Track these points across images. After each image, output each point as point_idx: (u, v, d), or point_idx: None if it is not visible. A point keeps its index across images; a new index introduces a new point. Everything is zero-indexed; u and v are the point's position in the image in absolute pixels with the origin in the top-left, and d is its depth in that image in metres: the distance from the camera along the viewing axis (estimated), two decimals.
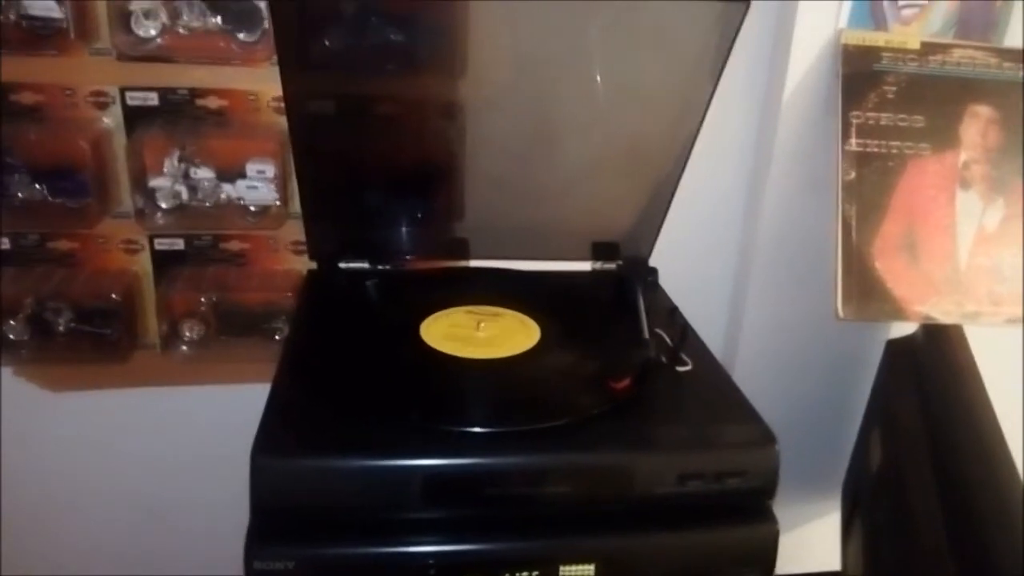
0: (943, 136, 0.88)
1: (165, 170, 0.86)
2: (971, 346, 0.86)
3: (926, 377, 0.86)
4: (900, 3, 0.89)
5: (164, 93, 0.85)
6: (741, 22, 0.73)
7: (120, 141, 0.85)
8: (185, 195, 0.87)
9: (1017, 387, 0.96)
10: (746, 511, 0.62)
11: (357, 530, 0.57)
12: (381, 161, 0.84)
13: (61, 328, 0.88)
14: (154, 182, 0.86)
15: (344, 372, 0.67)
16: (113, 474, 0.99)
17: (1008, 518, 0.66)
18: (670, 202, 0.86)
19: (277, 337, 0.92)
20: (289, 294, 0.90)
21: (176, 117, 0.85)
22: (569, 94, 0.80)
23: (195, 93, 0.85)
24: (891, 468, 0.85)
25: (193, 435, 0.98)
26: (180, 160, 0.86)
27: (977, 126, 0.89)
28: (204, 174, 0.86)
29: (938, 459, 0.75)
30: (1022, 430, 0.83)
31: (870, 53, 0.88)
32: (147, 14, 0.80)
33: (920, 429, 0.81)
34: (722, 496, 0.61)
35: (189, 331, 0.91)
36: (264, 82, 0.85)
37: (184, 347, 0.92)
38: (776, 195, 0.95)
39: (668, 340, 0.73)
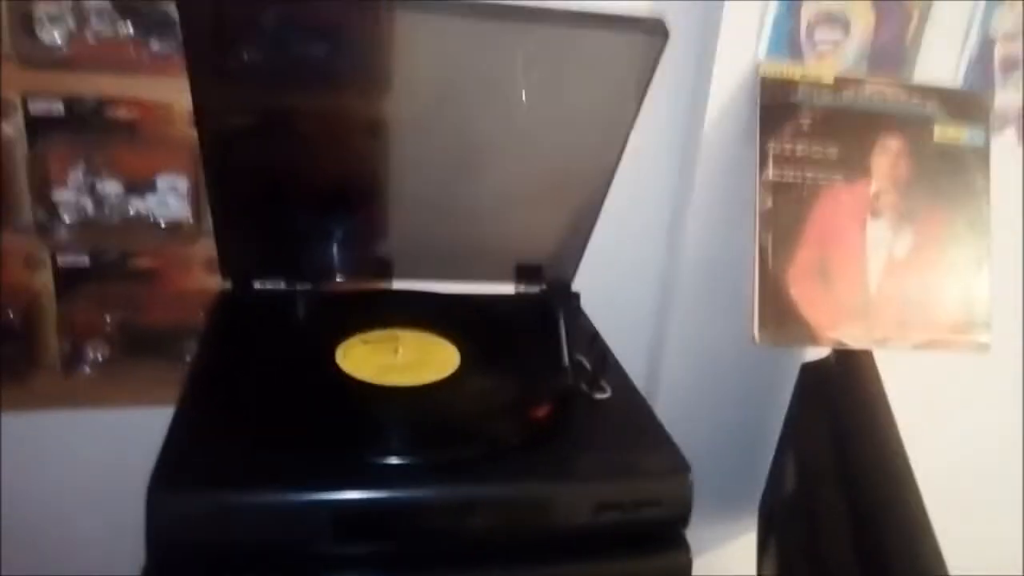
0: (855, 167, 0.91)
1: (69, 183, 0.82)
2: (880, 370, 0.88)
3: (836, 400, 0.88)
4: (816, 38, 0.91)
5: (70, 103, 0.81)
6: (660, 53, 0.74)
7: (21, 151, 0.81)
8: (91, 209, 0.83)
9: (923, 409, 0.99)
10: (661, 540, 0.62)
11: (265, 568, 0.55)
12: (300, 178, 0.81)
13: None
14: (58, 195, 0.82)
15: (253, 398, 0.64)
16: (18, 499, 0.93)
17: (912, 539, 0.68)
18: (593, 226, 0.87)
19: (188, 358, 0.89)
20: (201, 314, 0.87)
21: (83, 128, 0.81)
22: (494, 116, 0.80)
23: (103, 103, 0.81)
24: (803, 490, 0.87)
25: (93, 462, 0.92)
26: (86, 172, 0.82)
27: (888, 158, 0.92)
28: (112, 188, 0.83)
29: (845, 481, 0.77)
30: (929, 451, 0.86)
31: (787, 85, 0.90)
32: (52, 19, 0.77)
33: (829, 451, 0.83)
34: (637, 525, 0.61)
35: (93, 351, 0.87)
36: (178, 93, 0.81)
37: (87, 368, 0.87)
38: (698, 221, 0.97)
39: (588, 366, 0.73)
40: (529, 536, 0.60)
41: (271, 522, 0.55)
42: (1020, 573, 1.16)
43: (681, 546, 0.62)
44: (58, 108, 0.81)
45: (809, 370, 0.94)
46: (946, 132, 0.94)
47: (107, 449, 0.92)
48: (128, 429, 0.90)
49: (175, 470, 0.55)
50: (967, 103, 0.96)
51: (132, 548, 0.57)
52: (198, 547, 0.54)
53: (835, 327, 0.88)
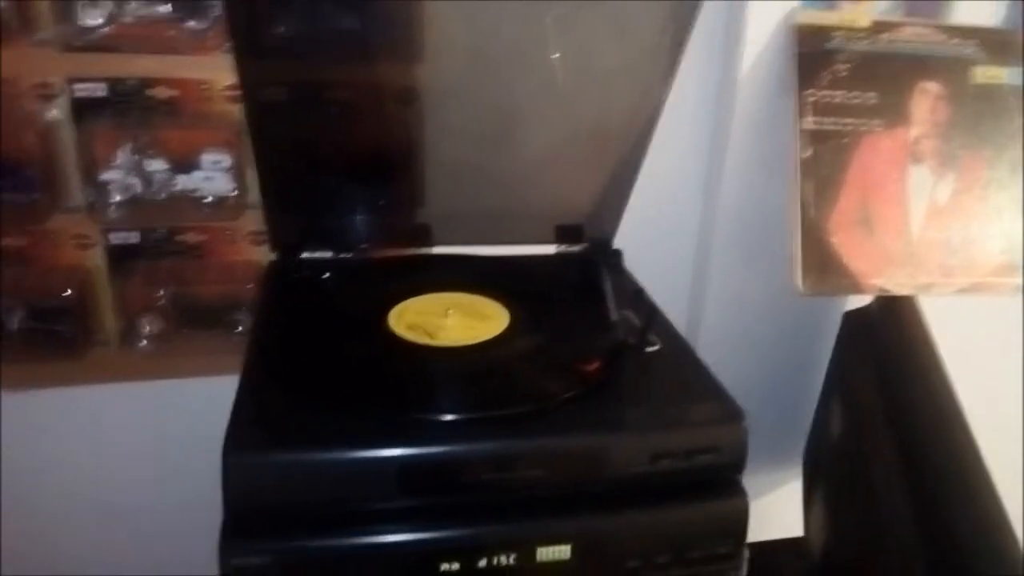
0: (894, 112, 0.90)
1: (117, 162, 0.84)
2: (924, 315, 0.88)
3: (881, 347, 0.88)
4: None
5: (112, 84, 0.82)
6: (696, 11, 0.73)
7: (68, 134, 0.83)
8: (139, 188, 0.85)
9: (970, 353, 0.99)
10: (717, 486, 0.63)
11: (333, 522, 0.57)
12: (340, 149, 0.82)
13: (14, 327, 0.86)
14: (106, 175, 0.84)
15: (313, 364, 0.66)
16: (73, 474, 0.97)
17: (965, 480, 0.69)
18: (632, 184, 0.87)
19: (239, 329, 0.91)
20: (249, 286, 0.89)
21: (126, 108, 0.83)
22: (529, 78, 0.80)
23: (145, 83, 0.83)
24: (850, 436, 0.88)
25: (155, 431, 0.96)
26: (132, 152, 0.84)
27: (927, 101, 0.91)
28: (158, 166, 0.84)
29: (894, 425, 0.78)
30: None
31: (822, 32, 0.89)
32: (93, 2, 0.78)
33: (877, 397, 0.83)
34: (693, 473, 0.62)
35: (148, 326, 0.89)
36: (216, 70, 0.83)
37: (143, 342, 0.90)
38: (735, 174, 0.96)
39: (635, 321, 0.74)
40: (587, 486, 0.61)
41: (337, 479, 0.57)
42: None
43: (737, 492, 0.63)
44: (101, 90, 0.82)
45: (852, 318, 0.94)
46: (986, 73, 0.93)
47: (166, 419, 0.95)
48: (185, 399, 0.93)
49: (247, 433, 0.57)
50: (1006, 42, 0.94)
51: (200, 509, 0.59)
52: (270, 506, 0.56)
53: (878, 274, 0.88)
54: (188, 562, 0.89)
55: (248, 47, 0.71)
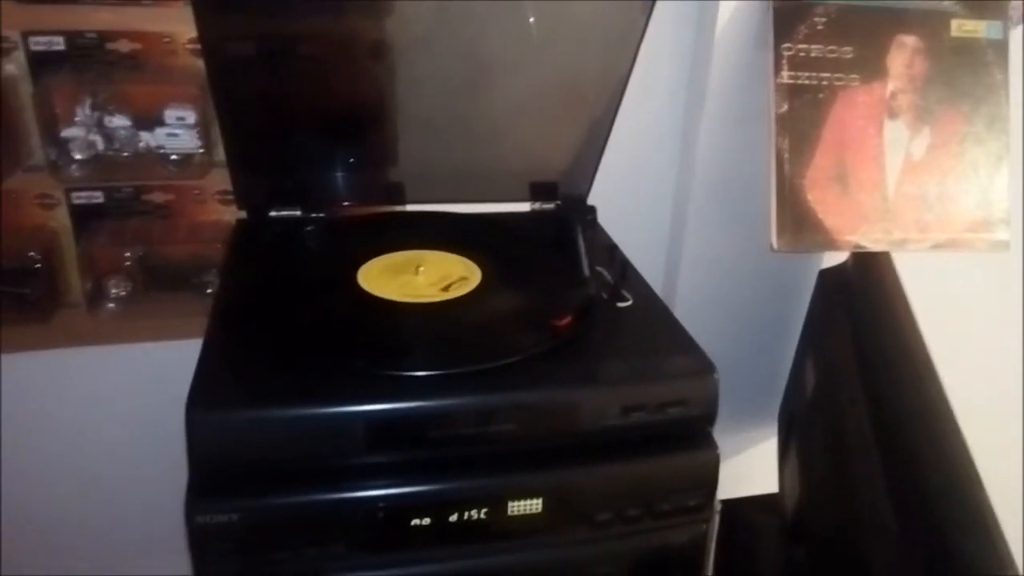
0: (871, 67, 0.89)
1: (77, 119, 0.81)
2: (898, 272, 0.88)
3: (856, 303, 0.88)
4: None
5: (71, 37, 0.79)
6: None
7: (26, 90, 0.80)
8: (101, 145, 0.82)
9: (943, 310, 0.99)
10: (688, 438, 0.63)
11: (302, 478, 0.57)
12: (308, 105, 0.80)
13: None
14: (67, 132, 0.82)
15: (281, 321, 0.65)
16: (42, 439, 0.95)
17: (935, 432, 0.69)
18: (606, 140, 0.86)
19: (209, 291, 0.89)
20: (219, 246, 0.87)
21: (86, 63, 0.80)
22: (500, 32, 0.78)
23: (105, 37, 0.80)
24: (824, 391, 0.88)
25: (124, 394, 0.94)
26: (93, 108, 0.81)
27: (904, 55, 0.90)
28: (120, 122, 0.82)
29: (867, 379, 0.78)
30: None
31: None
32: None
33: (849, 350, 0.83)
34: (665, 425, 0.62)
35: (115, 288, 0.88)
36: (178, 23, 0.80)
37: (111, 304, 0.88)
38: (711, 130, 0.95)
39: (608, 277, 0.74)
40: (558, 440, 0.61)
41: (304, 436, 0.56)
42: None
43: (708, 444, 0.63)
44: (59, 43, 0.79)
45: (828, 276, 0.94)
46: (963, 27, 0.92)
47: (135, 382, 0.94)
48: (155, 362, 0.92)
49: (210, 390, 0.56)
50: None
51: (160, 477, 0.58)
52: (236, 463, 0.56)
53: (853, 231, 0.88)
54: (159, 526, 0.89)
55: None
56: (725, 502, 0.85)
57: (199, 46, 0.78)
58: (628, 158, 0.97)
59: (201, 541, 0.55)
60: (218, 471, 0.56)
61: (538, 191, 0.89)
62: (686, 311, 1.01)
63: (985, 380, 1.09)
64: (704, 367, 0.63)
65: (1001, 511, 0.61)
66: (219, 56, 0.73)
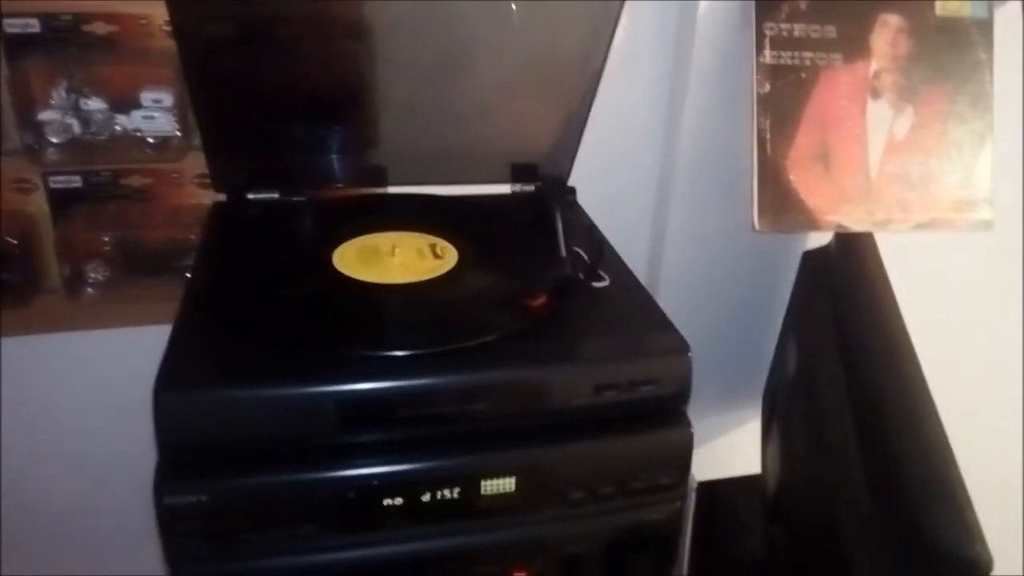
0: (854, 46, 0.88)
1: (53, 102, 0.81)
2: (881, 253, 0.88)
3: (837, 284, 0.88)
4: None
5: (46, 19, 0.79)
6: None
7: (1, 72, 0.79)
8: (77, 128, 0.82)
9: (924, 291, 0.99)
10: (662, 417, 0.63)
11: (272, 458, 0.56)
12: (285, 87, 0.79)
13: None
14: (42, 115, 0.81)
15: (252, 302, 0.65)
16: (23, 424, 0.95)
17: (912, 413, 0.69)
18: (586, 120, 0.85)
19: (189, 275, 0.89)
20: (198, 229, 0.87)
21: (61, 45, 0.80)
22: (479, 13, 0.78)
23: (80, 19, 0.79)
24: (805, 373, 0.88)
25: (104, 379, 0.94)
26: (69, 91, 0.81)
27: (887, 34, 0.89)
28: (96, 105, 0.82)
29: (846, 361, 0.78)
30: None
31: None
32: None
33: (830, 331, 0.83)
34: (638, 404, 0.61)
35: (94, 272, 0.87)
36: (154, 5, 0.79)
37: (90, 289, 0.88)
38: (695, 110, 0.95)
39: (585, 257, 0.73)
40: (531, 419, 0.61)
41: (274, 416, 0.56)
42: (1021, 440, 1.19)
43: (682, 422, 0.63)
44: (33, 25, 0.79)
45: (811, 257, 0.94)
46: (948, 6, 0.91)
47: (114, 368, 0.93)
48: (134, 347, 0.91)
49: (179, 371, 0.56)
50: None
51: (140, 464, 0.58)
52: (205, 444, 0.55)
53: (835, 211, 0.87)
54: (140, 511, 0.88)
55: None
56: (707, 483, 0.85)
57: (170, 28, 0.77)
58: (612, 139, 0.97)
59: (170, 522, 0.55)
60: (187, 451, 0.55)
61: (518, 173, 0.88)
62: (671, 292, 1.02)
63: (967, 361, 1.09)
64: (677, 346, 0.63)
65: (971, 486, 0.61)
66: (191, 37, 0.72)
